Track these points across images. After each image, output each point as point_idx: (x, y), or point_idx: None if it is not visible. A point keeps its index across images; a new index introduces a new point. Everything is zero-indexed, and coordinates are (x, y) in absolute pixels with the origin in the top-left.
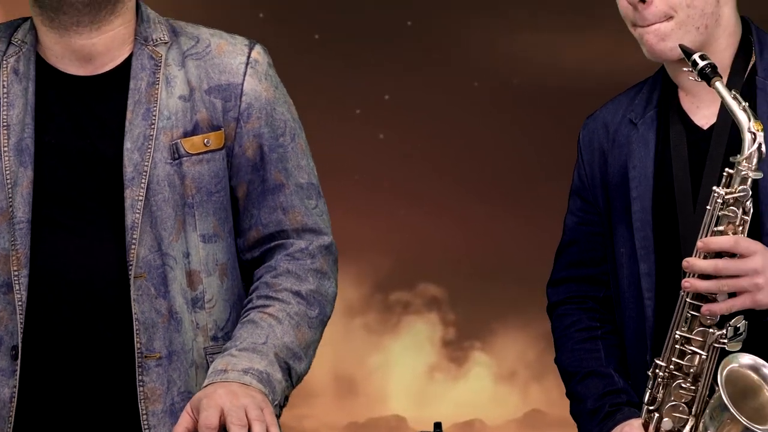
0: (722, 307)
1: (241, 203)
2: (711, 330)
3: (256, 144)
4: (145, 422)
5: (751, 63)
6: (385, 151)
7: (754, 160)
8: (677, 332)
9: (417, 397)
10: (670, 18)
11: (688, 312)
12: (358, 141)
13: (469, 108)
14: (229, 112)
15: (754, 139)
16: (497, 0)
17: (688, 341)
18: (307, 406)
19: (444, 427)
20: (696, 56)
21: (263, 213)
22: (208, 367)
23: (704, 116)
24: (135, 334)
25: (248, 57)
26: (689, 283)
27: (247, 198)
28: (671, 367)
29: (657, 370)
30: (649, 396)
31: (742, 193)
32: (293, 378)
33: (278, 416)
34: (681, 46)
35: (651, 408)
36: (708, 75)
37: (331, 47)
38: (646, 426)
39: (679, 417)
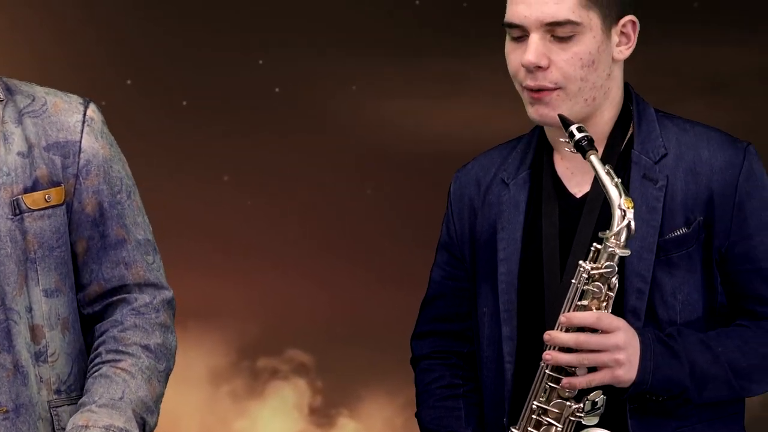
0: (582, 381)
1: (80, 258)
2: (568, 403)
3: (95, 200)
4: None
5: (629, 134)
6: (253, 217)
7: (623, 237)
8: (535, 402)
9: None
10: (560, 88)
11: (547, 383)
12: (226, 207)
13: (337, 173)
14: (68, 168)
15: (624, 216)
16: (366, 67)
17: (545, 412)
18: None
19: None
20: (573, 128)
21: (105, 268)
22: (53, 421)
23: (578, 184)
24: None
25: (84, 115)
26: (550, 356)
27: (87, 253)
28: None
29: None
30: None
31: (608, 270)
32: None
33: None
34: (560, 116)
35: None
36: (584, 148)
37: (198, 114)
38: None
39: None
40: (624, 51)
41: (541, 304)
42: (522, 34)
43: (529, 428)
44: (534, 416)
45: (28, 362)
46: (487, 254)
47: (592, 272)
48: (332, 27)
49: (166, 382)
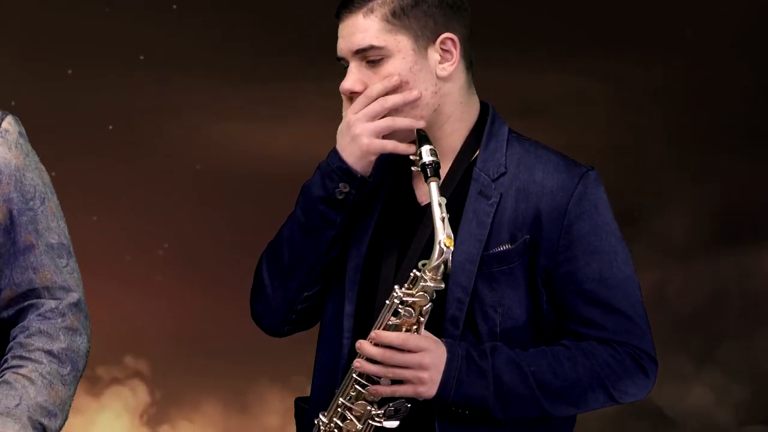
0: (386, 390)
1: None
2: (370, 407)
3: (6, 208)
4: None
5: (477, 152)
6: (96, 234)
7: (439, 271)
8: (341, 398)
9: None
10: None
11: (354, 385)
12: (70, 224)
13: (172, 193)
14: None
15: (442, 253)
16: (202, 93)
17: (350, 410)
18: None
19: None
20: (425, 149)
21: (15, 273)
22: None
23: (425, 193)
24: None
25: None
26: (359, 364)
27: None
28: (331, 425)
29: (320, 425)
30: None
31: (420, 299)
32: None
33: None
34: (418, 132)
35: None
36: (427, 173)
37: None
38: None
39: None
40: (447, 68)
41: (374, 302)
42: (347, 65)
43: (334, 419)
44: (339, 410)
45: None
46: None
47: (404, 298)
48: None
49: (75, 384)
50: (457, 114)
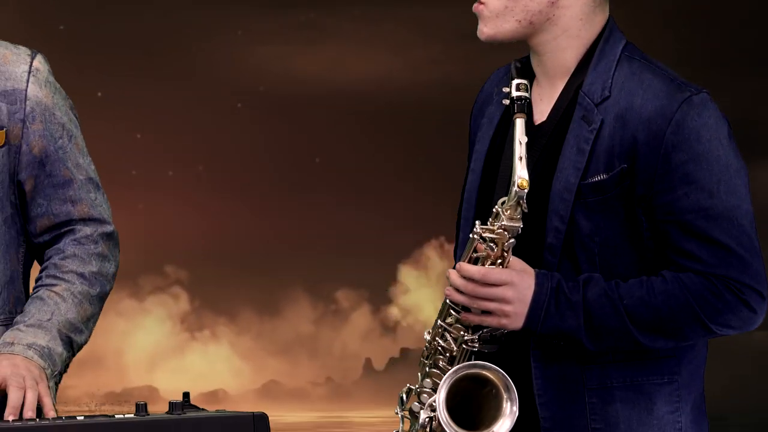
0: (475, 319)
1: (29, 194)
2: (462, 333)
3: (41, 144)
4: None
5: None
6: (141, 150)
7: (517, 212)
8: (440, 321)
9: (167, 369)
10: (483, 3)
11: (450, 311)
12: (117, 143)
13: (214, 113)
14: (15, 114)
15: (517, 193)
16: (241, 18)
17: (447, 332)
18: (68, 376)
19: (192, 396)
20: (516, 82)
21: (53, 204)
22: None
23: (540, 111)
24: None
25: (30, 66)
26: (449, 292)
27: (34, 190)
28: (434, 343)
29: (427, 341)
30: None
31: (499, 236)
32: (74, 348)
33: (58, 382)
34: (514, 64)
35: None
36: (516, 106)
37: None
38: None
39: (429, 393)
40: None
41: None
42: None
43: (437, 338)
44: (440, 330)
45: None
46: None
47: (483, 234)
48: None
49: (101, 305)
50: (573, 30)
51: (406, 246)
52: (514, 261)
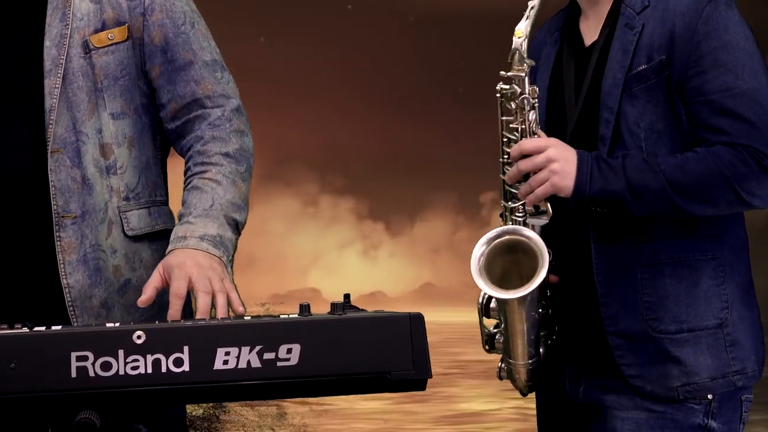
0: (531, 193)
1: (156, 82)
2: (510, 202)
3: (161, 33)
4: (62, 270)
5: None
6: (309, 70)
7: (523, 65)
8: (503, 202)
9: (329, 272)
10: None
11: (510, 197)
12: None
13: (389, 34)
14: (135, 9)
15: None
16: None
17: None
18: (236, 279)
19: (352, 298)
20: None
21: (178, 87)
22: (122, 223)
23: (590, 37)
24: (52, 199)
25: None
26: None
27: (161, 77)
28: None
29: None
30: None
31: (511, 89)
32: (239, 228)
33: (232, 266)
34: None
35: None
36: None
37: None
38: None
39: None
40: None
41: (564, 135)
42: None
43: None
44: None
45: (95, 176)
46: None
47: (501, 91)
48: None
49: (250, 179)
50: None
51: None
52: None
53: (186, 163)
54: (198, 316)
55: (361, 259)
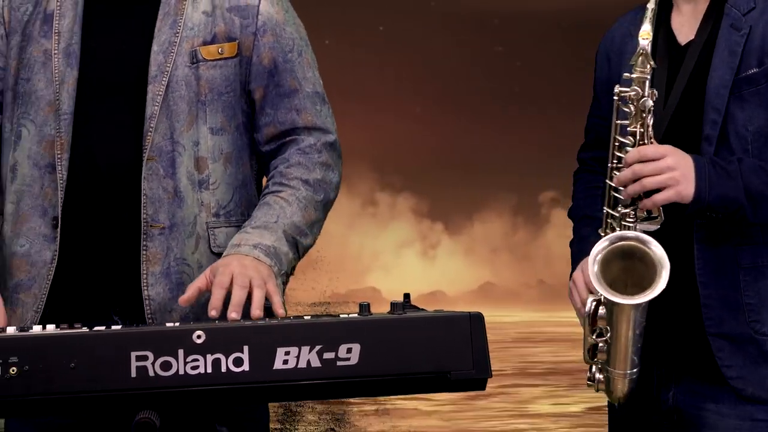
0: (651, 202)
1: (258, 103)
2: (621, 208)
3: (270, 55)
4: (144, 281)
5: None
6: (371, 74)
7: (646, 67)
8: (608, 209)
9: (390, 272)
10: None
11: (616, 203)
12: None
13: (431, 31)
14: (248, 27)
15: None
16: None
17: (617, 220)
18: (296, 278)
19: (412, 297)
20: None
21: (279, 113)
22: (209, 239)
23: (684, 34)
24: (142, 207)
25: None
26: (619, 180)
27: (263, 99)
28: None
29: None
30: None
31: (634, 92)
32: (300, 250)
33: (285, 282)
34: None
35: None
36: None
37: None
38: None
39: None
40: None
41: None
42: None
43: (607, 230)
44: (610, 222)
45: (187, 188)
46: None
47: (621, 94)
48: None
49: (325, 211)
50: None
51: None
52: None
53: (267, 181)
54: (229, 310)
55: (420, 259)
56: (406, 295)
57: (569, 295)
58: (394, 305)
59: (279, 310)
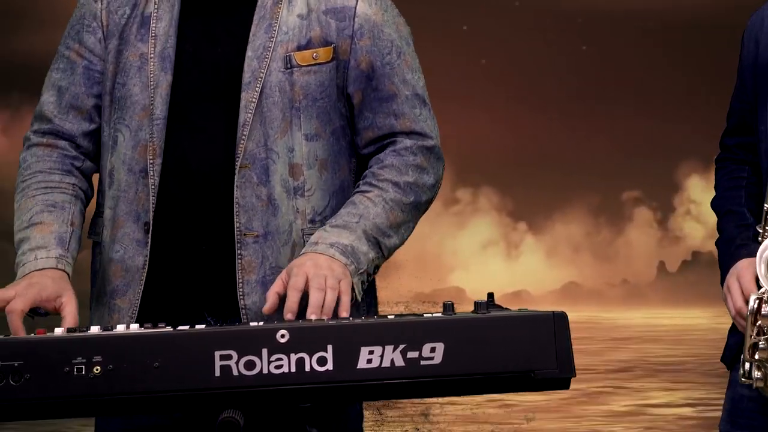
0: None
1: (357, 107)
2: None
3: (368, 59)
4: (240, 290)
5: None
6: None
7: None
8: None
9: (474, 271)
10: None
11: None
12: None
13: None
14: (344, 30)
15: None
16: None
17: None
18: (380, 278)
19: (496, 296)
20: None
21: (378, 117)
22: (305, 246)
23: None
24: (235, 215)
25: None
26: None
27: (362, 103)
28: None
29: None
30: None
31: None
32: (384, 251)
33: (366, 282)
34: None
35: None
36: None
37: None
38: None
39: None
40: None
41: None
42: None
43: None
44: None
45: (281, 196)
46: (766, 78)
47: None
48: None
49: (416, 213)
50: None
51: (691, 154)
52: None
53: (360, 179)
54: (308, 311)
55: (503, 258)
56: (490, 295)
57: (724, 302)
58: (477, 304)
59: (342, 313)
